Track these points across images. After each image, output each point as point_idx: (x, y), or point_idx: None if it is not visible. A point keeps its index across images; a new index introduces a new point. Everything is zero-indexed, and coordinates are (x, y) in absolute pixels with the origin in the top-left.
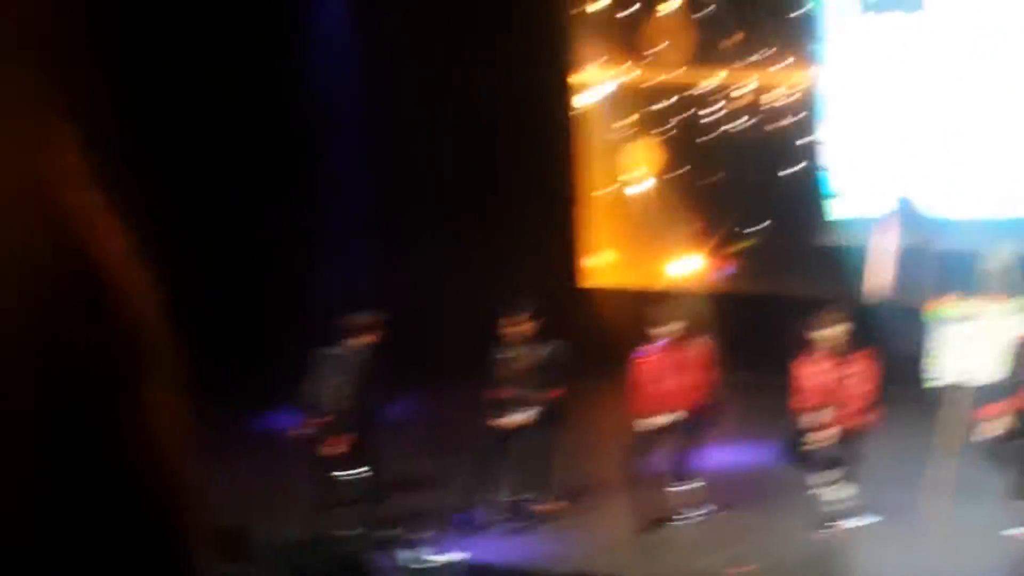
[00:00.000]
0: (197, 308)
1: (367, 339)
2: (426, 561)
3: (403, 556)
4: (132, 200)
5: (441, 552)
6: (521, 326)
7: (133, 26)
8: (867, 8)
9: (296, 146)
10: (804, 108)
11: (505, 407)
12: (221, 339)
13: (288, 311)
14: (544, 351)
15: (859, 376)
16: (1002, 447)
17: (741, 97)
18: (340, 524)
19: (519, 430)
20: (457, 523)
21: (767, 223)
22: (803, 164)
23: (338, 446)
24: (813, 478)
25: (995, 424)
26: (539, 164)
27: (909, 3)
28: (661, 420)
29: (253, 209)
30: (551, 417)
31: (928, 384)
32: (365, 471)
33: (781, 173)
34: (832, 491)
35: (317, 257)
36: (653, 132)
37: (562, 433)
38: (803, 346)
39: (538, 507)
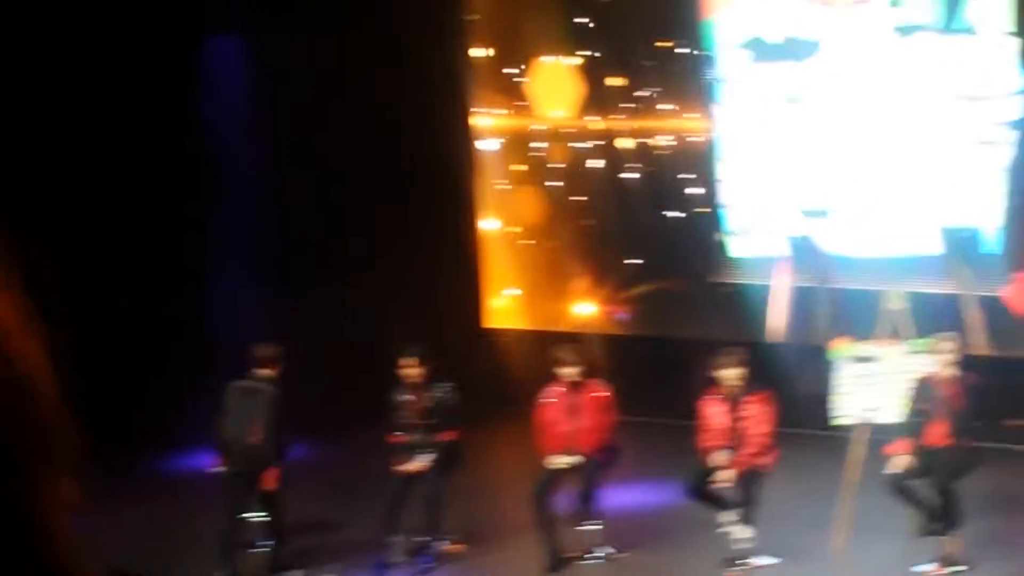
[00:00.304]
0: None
1: (273, 370)
2: None
3: None
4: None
5: None
6: (414, 368)
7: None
8: (758, 58)
9: (192, 185)
10: (701, 149)
11: (402, 450)
12: (121, 385)
13: (188, 350)
14: (437, 394)
15: (757, 417)
16: (905, 485)
17: (639, 140)
18: (247, 567)
19: (418, 473)
20: (362, 565)
21: (664, 264)
22: (701, 204)
23: (267, 482)
24: (718, 517)
25: (899, 462)
26: (441, 205)
27: (800, 51)
28: (564, 460)
29: (147, 247)
30: (448, 459)
31: (832, 423)
32: (272, 512)
33: (678, 214)
34: (737, 530)
35: (215, 296)
36: (551, 177)
37: (464, 474)
38: (706, 386)
39: (441, 549)
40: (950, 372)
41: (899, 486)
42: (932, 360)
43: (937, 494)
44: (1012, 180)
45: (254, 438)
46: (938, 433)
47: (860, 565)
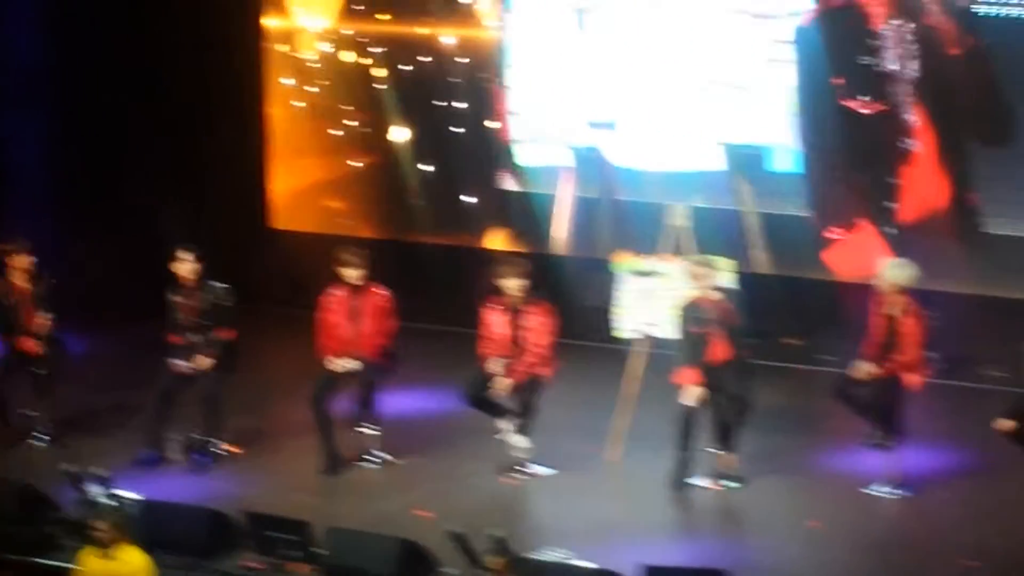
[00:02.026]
0: None
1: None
2: (105, 497)
3: (83, 491)
4: None
5: (119, 489)
6: (188, 265)
7: None
8: None
9: None
10: (491, 56)
11: (178, 349)
12: None
13: None
14: (211, 293)
15: (537, 327)
16: (695, 419)
17: (428, 47)
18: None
19: (194, 371)
20: (136, 462)
21: (452, 172)
22: (489, 112)
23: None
24: (496, 425)
25: (691, 393)
26: (229, 108)
27: None
28: (344, 364)
29: None
30: (225, 360)
31: (613, 336)
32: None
33: (465, 118)
34: (514, 439)
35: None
36: (337, 82)
37: (243, 375)
38: (488, 295)
39: (217, 448)
40: (718, 291)
41: (690, 417)
42: (695, 283)
43: (734, 408)
44: (801, 100)
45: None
46: (719, 350)
47: (635, 476)
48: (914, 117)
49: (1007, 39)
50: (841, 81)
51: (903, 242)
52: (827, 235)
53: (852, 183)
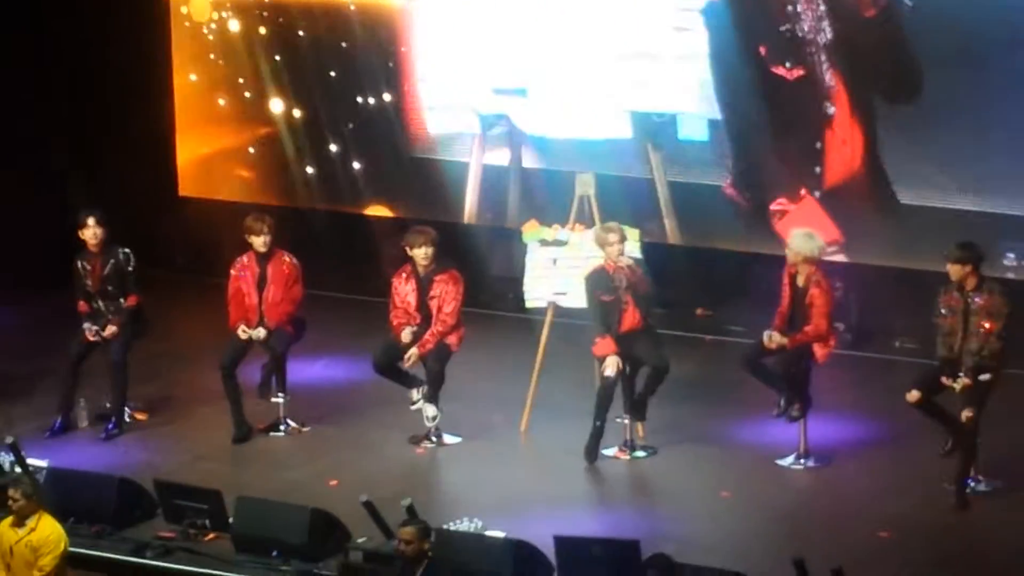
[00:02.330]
0: None
1: None
2: (15, 466)
3: None
4: None
5: (29, 457)
6: (91, 230)
7: None
8: None
9: None
10: (400, 23)
11: (87, 316)
12: None
13: None
14: (115, 259)
15: (446, 296)
16: (611, 390)
17: (333, 13)
18: None
19: (102, 338)
20: (47, 430)
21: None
22: (399, 79)
23: None
24: (406, 394)
25: (610, 363)
26: (136, 75)
27: None
28: (253, 332)
29: None
30: (132, 326)
31: (523, 306)
32: None
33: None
34: (424, 408)
35: None
36: (251, 49)
37: (153, 342)
38: (397, 263)
39: (126, 416)
40: (627, 261)
41: (609, 388)
42: (604, 251)
43: (653, 373)
44: (724, 68)
45: None
46: (631, 318)
47: (545, 446)
48: (831, 81)
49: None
50: (764, 49)
51: (833, 208)
52: (774, 207)
53: (784, 151)
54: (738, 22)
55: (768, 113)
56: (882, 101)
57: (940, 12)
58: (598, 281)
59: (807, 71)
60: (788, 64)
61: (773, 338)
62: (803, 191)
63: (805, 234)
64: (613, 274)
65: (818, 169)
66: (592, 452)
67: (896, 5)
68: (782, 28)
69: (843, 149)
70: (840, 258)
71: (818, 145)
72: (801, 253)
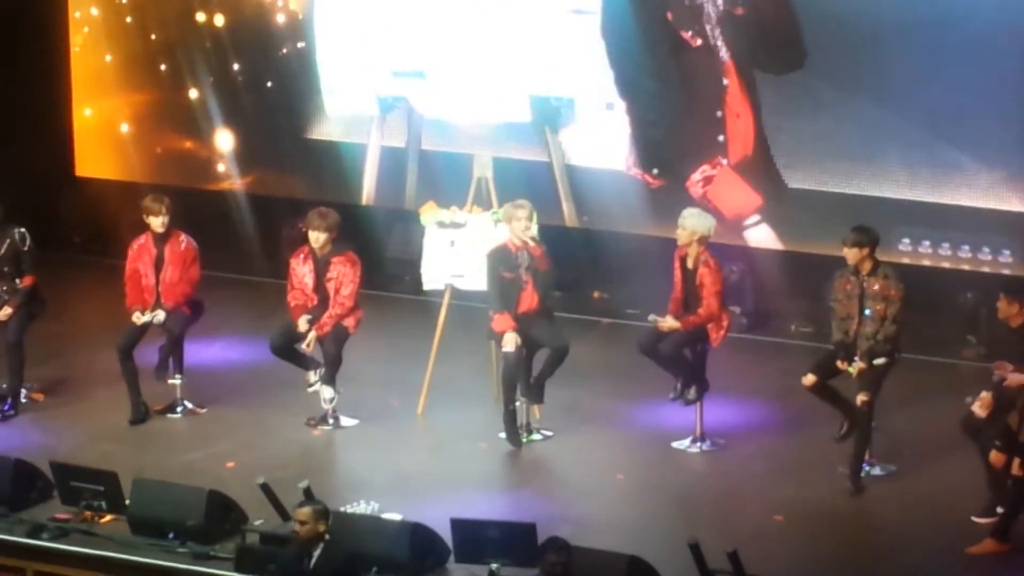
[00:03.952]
0: None
1: None
2: None
3: None
4: None
5: None
6: None
7: None
8: None
9: None
10: (298, 5)
11: None
12: None
13: None
14: (10, 237)
15: (343, 277)
16: (514, 367)
17: None
18: None
19: None
20: None
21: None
22: (297, 60)
23: None
24: (304, 376)
25: (509, 340)
26: (33, 51)
27: None
28: (149, 313)
29: None
30: (27, 306)
31: (423, 287)
32: None
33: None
34: (321, 390)
35: None
36: (146, 25)
37: (49, 323)
38: (295, 245)
39: (21, 397)
40: (534, 238)
41: (513, 364)
42: (510, 227)
43: (552, 354)
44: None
45: None
46: (530, 299)
47: (442, 429)
48: (724, 53)
49: None
50: (670, 15)
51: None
52: (696, 176)
53: (689, 122)
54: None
55: (675, 83)
56: (764, 69)
57: None
58: (501, 258)
59: (704, 41)
60: (690, 32)
61: (667, 321)
62: (720, 159)
63: (698, 212)
64: (516, 253)
65: (721, 138)
66: (514, 437)
67: None
68: None
69: (737, 123)
70: (754, 233)
71: (719, 114)
72: (697, 232)
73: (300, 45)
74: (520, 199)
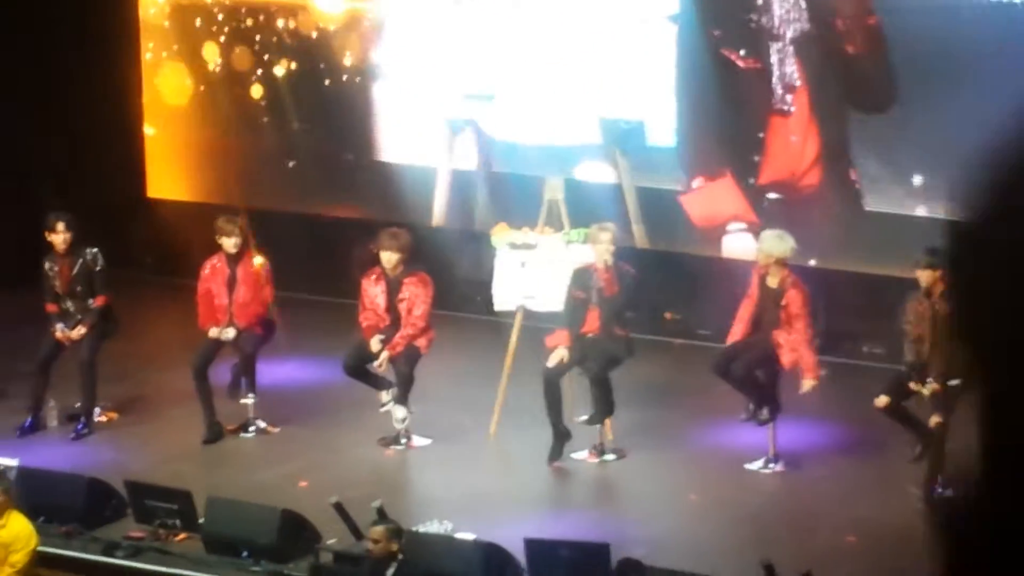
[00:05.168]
0: None
1: None
2: None
3: None
4: None
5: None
6: (61, 234)
7: None
8: None
9: None
10: (369, 27)
11: (55, 317)
12: None
13: None
14: (83, 260)
15: (415, 298)
16: (556, 381)
17: (304, 19)
18: None
19: (70, 339)
20: (16, 429)
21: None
22: (366, 83)
23: None
24: (376, 396)
25: (556, 355)
26: (105, 74)
27: None
28: (223, 333)
29: None
30: (101, 326)
31: (492, 309)
32: None
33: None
34: (394, 410)
35: None
36: (216, 50)
37: (124, 343)
38: (367, 265)
39: (96, 417)
40: (605, 261)
41: (551, 381)
42: (589, 249)
43: (591, 382)
44: (679, 79)
45: None
46: (593, 322)
47: (515, 449)
48: (794, 78)
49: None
50: (718, 33)
51: (762, 199)
52: (692, 183)
53: (721, 134)
54: (704, 15)
55: (722, 96)
56: (848, 107)
57: (917, 22)
58: (577, 277)
59: (765, 63)
60: (745, 52)
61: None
62: (722, 170)
63: (776, 235)
64: (593, 273)
65: (758, 158)
66: (556, 453)
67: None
68: (748, 17)
69: (795, 146)
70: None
71: (760, 135)
72: (772, 255)
73: (372, 67)
74: (607, 222)
